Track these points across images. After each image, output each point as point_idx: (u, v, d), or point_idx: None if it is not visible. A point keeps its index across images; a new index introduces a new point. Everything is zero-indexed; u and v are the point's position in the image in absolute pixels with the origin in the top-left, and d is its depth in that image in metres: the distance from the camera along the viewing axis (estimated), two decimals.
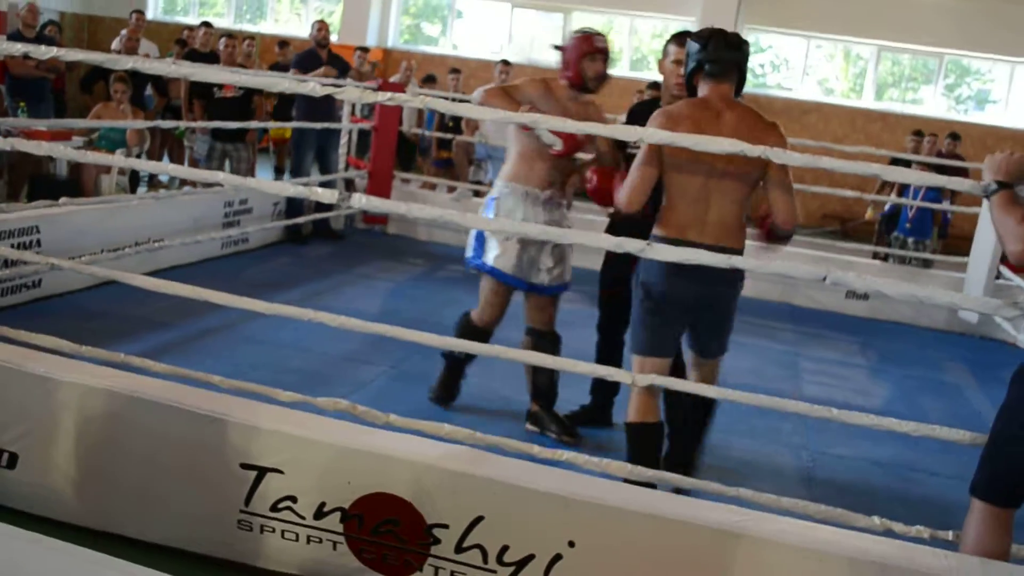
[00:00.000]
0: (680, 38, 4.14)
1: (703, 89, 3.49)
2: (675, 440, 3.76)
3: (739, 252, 3.42)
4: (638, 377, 3.21)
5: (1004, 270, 7.95)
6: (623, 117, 4.69)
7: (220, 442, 2.86)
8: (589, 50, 4.30)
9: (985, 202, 2.73)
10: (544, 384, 4.48)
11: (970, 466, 2.73)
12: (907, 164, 9.25)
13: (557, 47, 4.40)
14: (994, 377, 6.81)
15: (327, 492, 2.79)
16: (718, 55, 3.44)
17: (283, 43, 11.05)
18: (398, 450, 2.81)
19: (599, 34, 4.40)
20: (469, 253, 4.47)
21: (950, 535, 2.91)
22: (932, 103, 15.39)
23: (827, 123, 15.15)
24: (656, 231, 3.50)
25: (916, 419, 4.65)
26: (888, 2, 14.76)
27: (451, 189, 10.26)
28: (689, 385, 3.40)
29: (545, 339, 4.54)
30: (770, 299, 8.15)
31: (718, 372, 3.77)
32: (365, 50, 11.25)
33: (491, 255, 4.33)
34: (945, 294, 3.08)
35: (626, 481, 3.11)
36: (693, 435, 3.81)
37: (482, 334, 4.43)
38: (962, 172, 9.56)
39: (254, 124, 8.06)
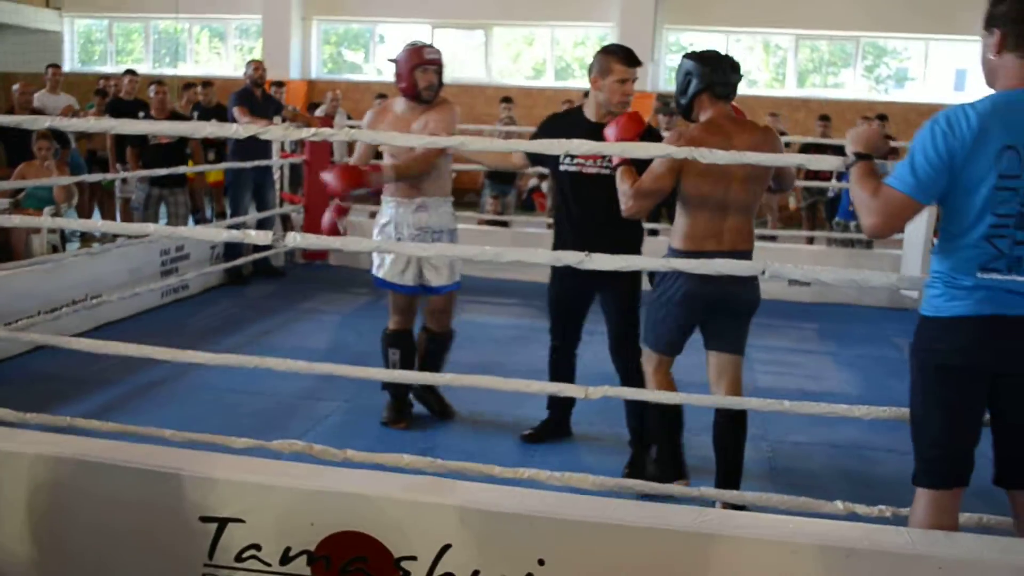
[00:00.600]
0: (627, 57, 4.17)
1: (706, 108, 3.71)
2: (723, 457, 3.88)
3: (750, 254, 3.69)
4: (591, 390, 3.21)
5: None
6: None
7: (177, 497, 2.81)
8: (419, 62, 4.54)
9: None
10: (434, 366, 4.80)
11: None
12: (820, 147, 9.46)
13: (392, 60, 4.63)
14: None
15: (291, 536, 2.75)
16: (727, 78, 3.71)
17: (206, 83, 10.95)
18: (358, 486, 2.78)
19: (429, 46, 4.62)
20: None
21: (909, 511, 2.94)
22: (853, 86, 15.70)
23: (752, 114, 15.15)
24: (675, 245, 3.71)
25: (869, 397, 4.77)
26: None
27: (372, 215, 10.24)
28: (629, 391, 3.41)
29: (435, 339, 4.89)
30: None
31: (741, 373, 3.95)
32: (280, 84, 11.19)
33: (378, 269, 4.69)
34: (882, 276, 3.14)
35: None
36: (737, 447, 3.90)
37: (397, 337, 4.82)
38: (893, 152, 9.75)
39: (184, 169, 7.95)
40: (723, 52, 3.86)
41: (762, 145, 3.61)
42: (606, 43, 4.43)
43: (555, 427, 4.72)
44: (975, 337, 2.55)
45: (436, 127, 4.43)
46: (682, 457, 4.00)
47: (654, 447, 4.21)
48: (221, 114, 9.72)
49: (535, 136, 4.33)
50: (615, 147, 3.25)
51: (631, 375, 4.21)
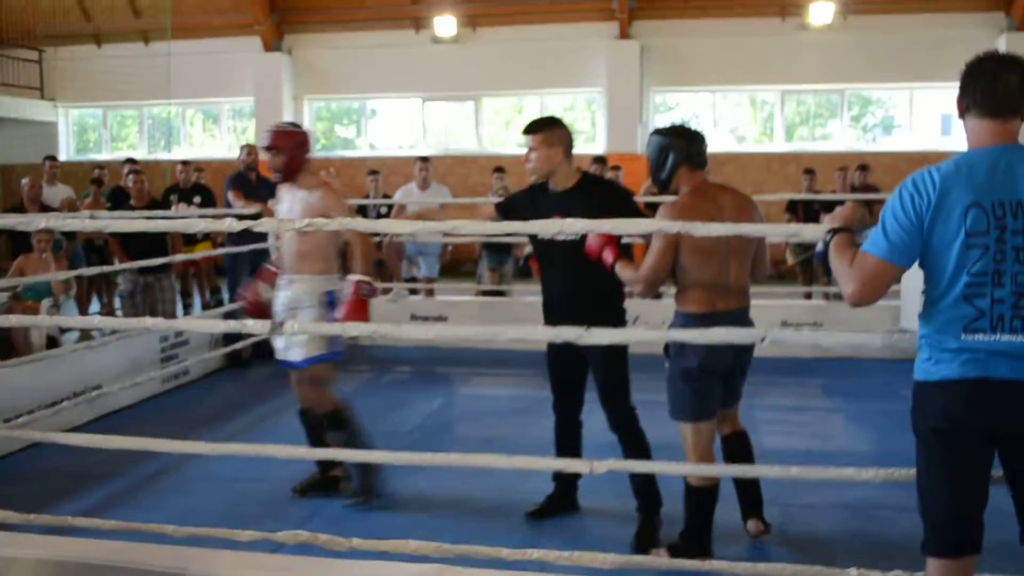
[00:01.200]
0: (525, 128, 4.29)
1: (686, 179, 3.88)
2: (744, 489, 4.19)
3: (748, 311, 3.97)
4: (596, 465, 3.18)
5: None
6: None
7: None
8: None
9: None
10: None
11: None
12: (806, 203, 9.57)
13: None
14: None
15: None
16: (701, 148, 3.91)
17: (184, 163, 11.01)
18: None
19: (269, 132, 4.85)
20: None
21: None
22: (840, 137, 15.85)
23: (744, 172, 15.49)
24: (685, 309, 3.85)
25: (878, 452, 4.73)
26: (784, 47, 15.29)
27: (386, 291, 10.24)
28: (636, 464, 3.38)
29: (305, 417, 4.95)
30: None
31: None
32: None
33: None
34: (877, 337, 3.12)
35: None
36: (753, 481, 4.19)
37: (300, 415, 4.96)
38: (878, 202, 9.82)
39: (181, 257, 7.97)
40: (693, 122, 4.01)
41: (745, 203, 3.91)
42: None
43: (561, 501, 4.66)
44: (962, 401, 2.52)
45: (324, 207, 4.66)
46: (710, 535, 3.94)
47: (660, 511, 4.22)
48: (200, 193, 9.81)
49: (506, 200, 4.58)
50: (608, 224, 3.24)
51: (621, 426, 4.33)
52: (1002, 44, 14.43)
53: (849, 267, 2.58)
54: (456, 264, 12.08)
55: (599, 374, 4.37)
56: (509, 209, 4.42)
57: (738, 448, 4.24)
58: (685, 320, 3.83)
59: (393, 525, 4.36)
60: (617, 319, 4.36)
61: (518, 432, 6.02)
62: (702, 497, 3.87)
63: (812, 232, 3.12)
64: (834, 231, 2.72)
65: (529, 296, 9.91)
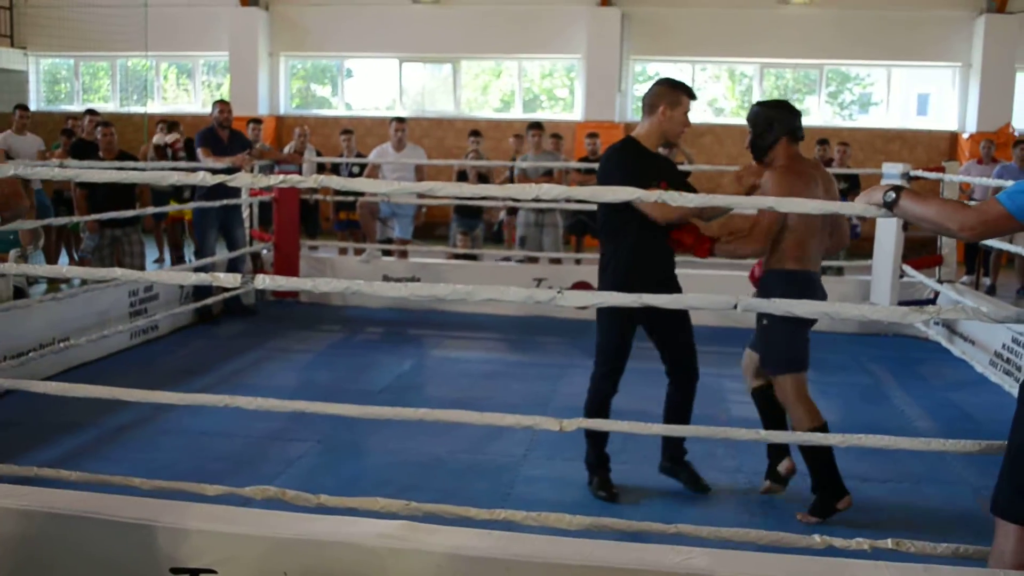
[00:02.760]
0: (689, 91, 4.34)
1: (784, 151, 4.19)
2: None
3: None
4: (565, 423, 3.20)
5: (907, 268, 8.17)
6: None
7: (148, 549, 2.75)
8: None
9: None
10: None
11: (898, 467, 2.78)
12: None
13: None
14: (912, 373, 6.99)
15: None
16: (801, 124, 4.25)
17: (171, 124, 10.91)
18: (333, 533, 2.74)
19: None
20: None
21: (888, 543, 2.94)
22: (817, 112, 15.88)
23: (721, 144, 15.51)
24: (780, 266, 4.16)
25: (844, 423, 4.78)
26: (764, 21, 15.24)
27: (358, 251, 10.21)
28: (594, 422, 3.40)
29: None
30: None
31: None
32: (258, 121, 11.16)
33: None
34: (854, 308, 3.14)
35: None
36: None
37: None
38: (852, 179, 9.88)
39: (152, 210, 7.88)
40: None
41: (828, 177, 4.36)
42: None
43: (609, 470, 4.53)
44: None
45: None
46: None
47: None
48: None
49: (611, 172, 4.24)
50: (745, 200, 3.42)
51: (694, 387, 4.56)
52: (980, 25, 14.50)
53: (955, 205, 2.73)
54: (430, 227, 12.04)
55: (683, 334, 4.51)
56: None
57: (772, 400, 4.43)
58: (782, 277, 4.13)
59: (362, 482, 4.37)
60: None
61: (488, 395, 6.04)
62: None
63: (791, 205, 3.13)
64: (896, 189, 2.79)
65: (500, 261, 9.95)
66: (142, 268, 8.29)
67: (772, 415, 4.40)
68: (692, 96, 4.32)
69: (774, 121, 4.20)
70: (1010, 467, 2.59)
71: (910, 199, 2.76)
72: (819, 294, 4.17)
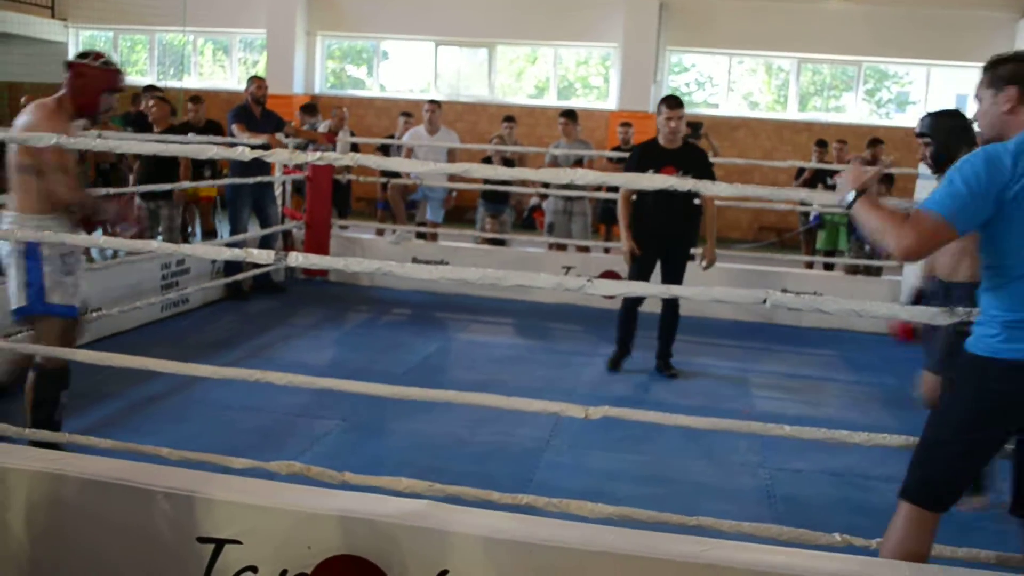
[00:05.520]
0: (666, 101, 6.35)
1: None
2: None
3: None
4: (591, 411, 3.22)
5: None
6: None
7: (175, 518, 2.80)
8: (110, 86, 4.20)
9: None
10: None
11: None
12: (815, 172, 9.68)
13: (70, 64, 4.16)
14: None
15: (288, 559, 2.74)
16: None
17: (195, 99, 10.96)
18: (356, 510, 2.77)
19: (121, 71, 4.30)
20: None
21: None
22: (854, 110, 15.75)
23: (755, 137, 15.43)
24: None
25: (868, 425, 4.77)
26: (804, 15, 15.11)
27: (380, 232, 10.26)
28: (627, 412, 3.41)
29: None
30: (717, 317, 8.25)
31: None
32: (313, 109, 11.22)
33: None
34: (882, 306, 3.13)
35: None
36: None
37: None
38: (887, 178, 9.78)
39: (174, 185, 7.90)
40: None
41: None
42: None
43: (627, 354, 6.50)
44: None
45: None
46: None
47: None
48: (212, 130, 9.75)
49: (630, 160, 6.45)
50: None
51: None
52: (1022, 28, 14.31)
53: (897, 222, 2.61)
54: (460, 211, 12.07)
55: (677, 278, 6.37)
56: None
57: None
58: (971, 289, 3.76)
59: (387, 462, 4.41)
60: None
61: (513, 380, 6.06)
62: None
63: (823, 199, 3.12)
64: (857, 193, 2.75)
65: (530, 247, 9.96)
66: (177, 240, 8.37)
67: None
68: (670, 106, 6.20)
69: (957, 130, 4.06)
70: (921, 459, 2.77)
71: (864, 205, 2.72)
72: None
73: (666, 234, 6.33)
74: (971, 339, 2.72)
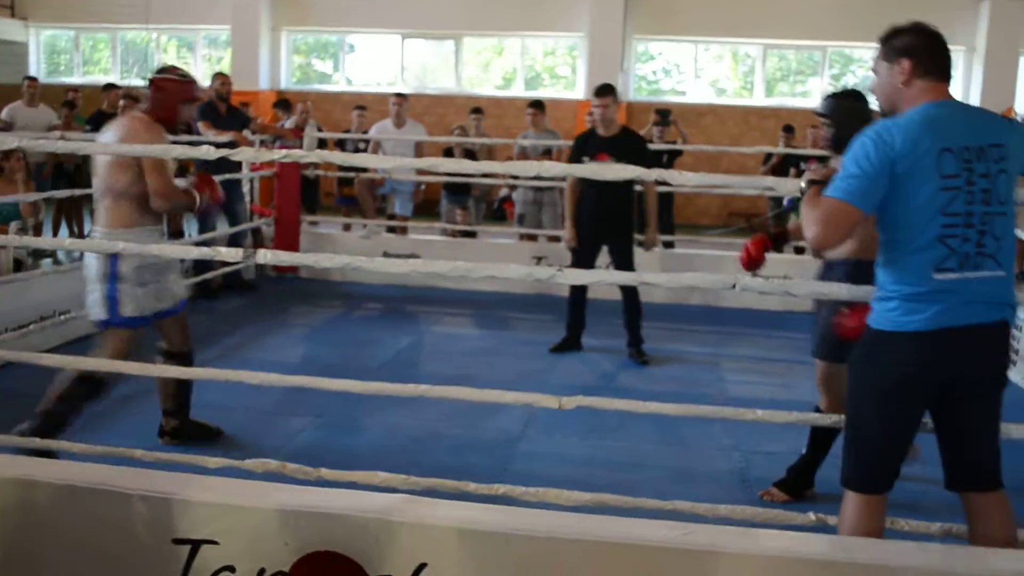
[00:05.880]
0: (595, 91, 6.52)
1: None
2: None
3: None
4: (564, 400, 3.22)
5: None
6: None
7: (149, 520, 2.78)
8: (188, 97, 4.40)
9: None
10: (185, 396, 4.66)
11: None
12: (783, 157, 9.80)
13: (151, 80, 4.37)
14: None
15: (265, 557, 2.73)
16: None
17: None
18: (333, 505, 2.76)
19: (195, 81, 4.48)
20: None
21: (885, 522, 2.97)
22: (820, 94, 15.82)
23: (723, 124, 15.49)
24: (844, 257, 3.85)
25: None
26: (769, 2, 15.16)
27: (347, 227, 10.22)
28: (599, 401, 3.42)
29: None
30: (687, 302, 8.29)
31: None
32: (246, 105, 11.10)
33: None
34: (861, 290, 3.15)
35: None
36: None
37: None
38: None
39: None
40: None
41: None
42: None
43: (574, 342, 6.65)
44: (936, 350, 2.62)
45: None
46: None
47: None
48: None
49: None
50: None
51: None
52: (985, 9, 14.47)
53: (813, 210, 2.67)
54: (430, 204, 12.04)
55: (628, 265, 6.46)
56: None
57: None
58: (863, 266, 3.75)
59: (362, 457, 4.39)
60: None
61: (486, 371, 6.06)
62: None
63: (788, 187, 3.15)
64: (811, 182, 2.78)
65: (501, 238, 9.96)
66: None
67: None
68: (596, 94, 6.38)
69: (856, 111, 4.06)
70: (848, 444, 2.82)
71: (806, 199, 2.75)
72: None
73: (602, 219, 6.40)
74: (872, 315, 2.75)
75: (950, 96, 2.72)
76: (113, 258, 4.09)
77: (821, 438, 4.11)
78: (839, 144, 4.03)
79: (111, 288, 4.16)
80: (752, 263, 3.94)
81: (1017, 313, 2.75)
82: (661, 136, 10.11)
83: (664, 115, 10.26)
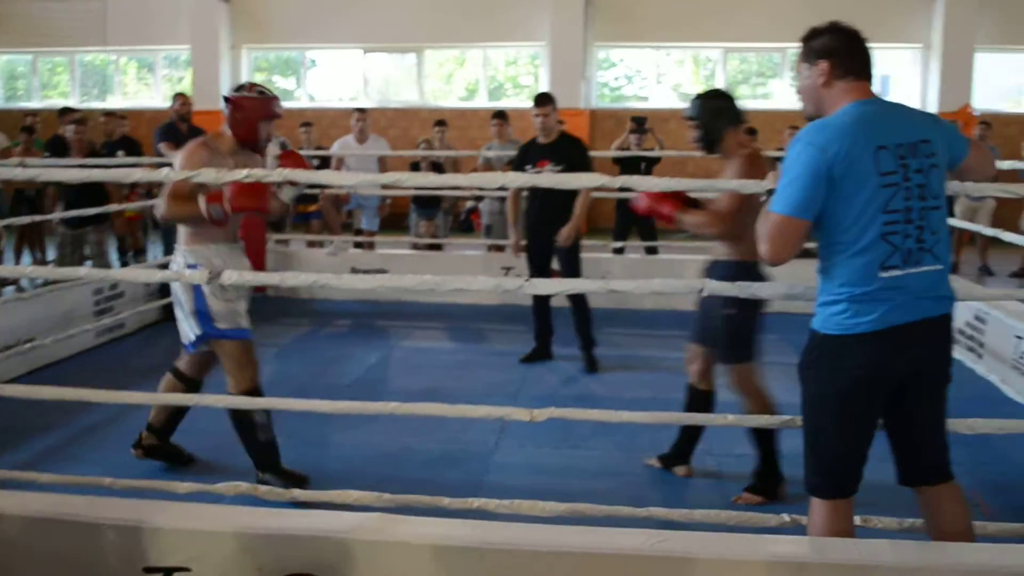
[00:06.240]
0: (535, 100, 6.59)
1: (737, 137, 4.15)
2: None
3: None
4: (536, 413, 3.22)
5: None
6: None
7: (120, 550, 2.75)
8: (267, 115, 4.26)
9: None
10: (176, 421, 4.58)
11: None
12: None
13: (227, 99, 4.25)
14: None
15: None
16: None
17: (109, 113, 10.67)
18: (306, 527, 2.74)
19: (276, 97, 4.35)
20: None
21: (856, 519, 2.98)
22: (781, 96, 15.97)
23: (686, 128, 15.49)
24: (740, 257, 4.06)
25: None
26: (728, 4, 15.27)
27: (315, 244, 10.18)
28: (571, 412, 3.42)
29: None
30: (660, 308, 8.31)
31: None
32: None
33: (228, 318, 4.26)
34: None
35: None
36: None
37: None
38: None
39: (115, 207, 7.79)
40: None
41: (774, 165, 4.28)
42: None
43: (544, 352, 6.70)
44: (888, 349, 2.63)
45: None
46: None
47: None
48: (127, 147, 9.59)
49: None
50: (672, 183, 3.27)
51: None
52: (940, 7, 14.65)
53: (761, 226, 2.68)
54: (396, 218, 12.01)
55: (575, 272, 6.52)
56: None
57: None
58: (742, 268, 3.96)
59: (335, 476, 4.36)
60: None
61: (458, 385, 6.05)
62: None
63: (752, 188, 3.16)
64: (770, 192, 2.80)
65: (468, 250, 9.95)
66: (107, 265, 8.21)
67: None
68: (535, 103, 6.46)
69: (721, 110, 4.13)
70: (809, 450, 2.82)
71: (763, 212, 2.75)
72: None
73: (540, 224, 6.48)
74: (818, 320, 2.76)
75: (873, 94, 2.73)
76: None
77: (762, 436, 4.17)
78: (709, 144, 4.16)
79: (200, 301, 4.13)
80: (651, 210, 4.03)
81: (955, 305, 2.76)
82: (638, 144, 10.08)
83: (640, 123, 10.28)
